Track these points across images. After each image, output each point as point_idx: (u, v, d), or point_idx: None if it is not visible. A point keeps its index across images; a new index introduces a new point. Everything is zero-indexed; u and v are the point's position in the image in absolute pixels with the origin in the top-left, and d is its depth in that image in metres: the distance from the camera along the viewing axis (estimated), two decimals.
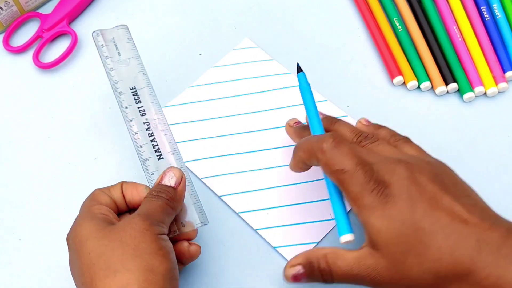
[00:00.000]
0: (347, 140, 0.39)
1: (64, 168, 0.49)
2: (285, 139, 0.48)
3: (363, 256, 0.36)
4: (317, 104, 0.43)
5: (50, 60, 0.54)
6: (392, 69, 0.51)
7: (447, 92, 0.50)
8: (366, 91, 0.51)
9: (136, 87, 0.45)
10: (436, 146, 0.48)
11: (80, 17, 0.57)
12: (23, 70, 0.54)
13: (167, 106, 0.51)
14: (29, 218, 0.47)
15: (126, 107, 0.45)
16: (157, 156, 0.44)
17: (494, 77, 0.50)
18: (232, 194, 0.47)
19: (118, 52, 0.46)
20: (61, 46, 0.55)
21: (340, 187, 0.37)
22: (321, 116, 0.43)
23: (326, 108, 0.50)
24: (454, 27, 0.52)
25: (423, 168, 0.37)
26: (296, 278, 0.38)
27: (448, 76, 0.50)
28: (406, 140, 0.42)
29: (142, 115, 0.45)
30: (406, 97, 0.50)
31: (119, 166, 0.49)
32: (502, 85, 0.50)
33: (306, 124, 0.45)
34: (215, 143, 0.49)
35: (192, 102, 0.51)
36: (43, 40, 0.54)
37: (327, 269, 0.37)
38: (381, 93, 0.51)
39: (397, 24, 0.52)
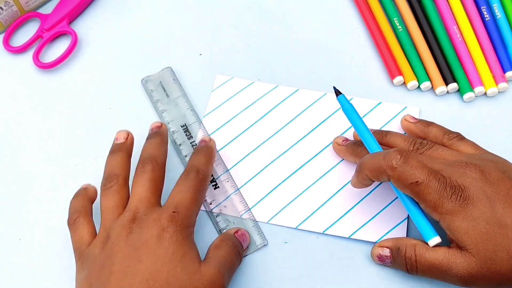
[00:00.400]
0: (406, 150, 0.41)
1: (64, 168, 0.49)
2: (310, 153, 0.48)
3: (453, 254, 0.38)
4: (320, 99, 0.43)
5: (50, 60, 0.54)
6: (392, 69, 0.51)
7: (447, 92, 0.50)
8: (366, 91, 0.51)
9: (186, 124, 0.49)
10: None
11: (80, 17, 0.57)
12: (23, 70, 0.54)
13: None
14: (29, 218, 0.47)
15: (180, 144, 0.48)
16: (212, 186, 0.46)
17: (494, 77, 0.50)
18: (307, 217, 0.46)
19: (167, 94, 0.50)
20: (61, 46, 0.55)
21: (416, 198, 0.39)
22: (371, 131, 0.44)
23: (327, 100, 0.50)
24: (454, 27, 0.52)
25: (491, 167, 0.39)
26: (381, 259, 0.42)
27: (448, 76, 0.50)
28: (460, 137, 0.44)
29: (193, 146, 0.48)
30: (406, 97, 0.50)
31: None
32: (502, 85, 0.50)
33: (356, 140, 0.46)
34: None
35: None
36: (43, 40, 0.54)
37: (413, 258, 0.39)
38: (381, 93, 0.51)
39: (397, 24, 0.52)
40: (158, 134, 0.46)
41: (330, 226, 0.45)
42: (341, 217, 0.45)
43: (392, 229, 0.44)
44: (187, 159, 0.47)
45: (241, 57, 0.53)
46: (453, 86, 0.50)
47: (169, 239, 0.38)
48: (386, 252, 0.42)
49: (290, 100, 0.50)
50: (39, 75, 0.54)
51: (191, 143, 0.48)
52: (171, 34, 0.55)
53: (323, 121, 0.49)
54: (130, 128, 0.50)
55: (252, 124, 0.50)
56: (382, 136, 0.45)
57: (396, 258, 0.41)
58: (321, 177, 0.47)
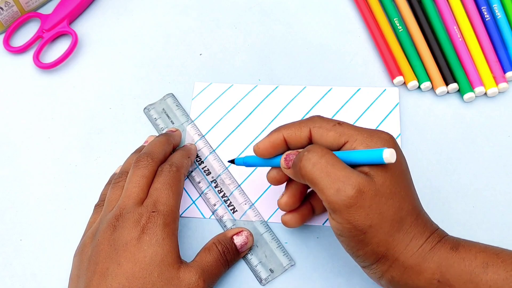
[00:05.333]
0: None
1: (64, 169, 0.49)
2: None
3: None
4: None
5: (51, 61, 0.54)
6: (393, 69, 0.51)
7: (448, 92, 0.50)
8: None
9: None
10: (436, 146, 0.48)
11: (80, 18, 0.57)
12: (23, 71, 0.54)
13: None
14: (29, 218, 0.47)
15: (191, 171, 0.47)
16: (230, 210, 0.46)
17: (494, 77, 0.50)
18: None
19: (171, 121, 0.49)
20: (61, 46, 0.55)
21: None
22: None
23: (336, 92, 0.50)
24: (455, 27, 0.52)
25: None
26: (287, 159, 0.39)
27: (448, 76, 0.50)
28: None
29: (208, 174, 0.47)
30: (407, 97, 0.50)
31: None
32: (503, 85, 0.49)
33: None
34: None
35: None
36: (43, 40, 0.54)
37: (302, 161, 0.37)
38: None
39: (398, 24, 0.52)
40: (165, 134, 0.46)
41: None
42: None
43: None
44: (200, 185, 0.47)
45: (241, 57, 0.53)
46: (454, 86, 0.50)
47: (148, 242, 0.38)
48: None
49: (272, 97, 0.51)
50: (39, 75, 0.54)
51: (202, 168, 0.47)
52: (171, 34, 0.55)
53: (306, 113, 0.50)
54: (130, 128, 0.50)
55: (238, 125, 0.50)
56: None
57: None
58: None
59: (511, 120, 0.49)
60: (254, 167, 0.47)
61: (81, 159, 0.49)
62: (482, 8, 0.52)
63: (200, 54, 0.54)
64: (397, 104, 0.49)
